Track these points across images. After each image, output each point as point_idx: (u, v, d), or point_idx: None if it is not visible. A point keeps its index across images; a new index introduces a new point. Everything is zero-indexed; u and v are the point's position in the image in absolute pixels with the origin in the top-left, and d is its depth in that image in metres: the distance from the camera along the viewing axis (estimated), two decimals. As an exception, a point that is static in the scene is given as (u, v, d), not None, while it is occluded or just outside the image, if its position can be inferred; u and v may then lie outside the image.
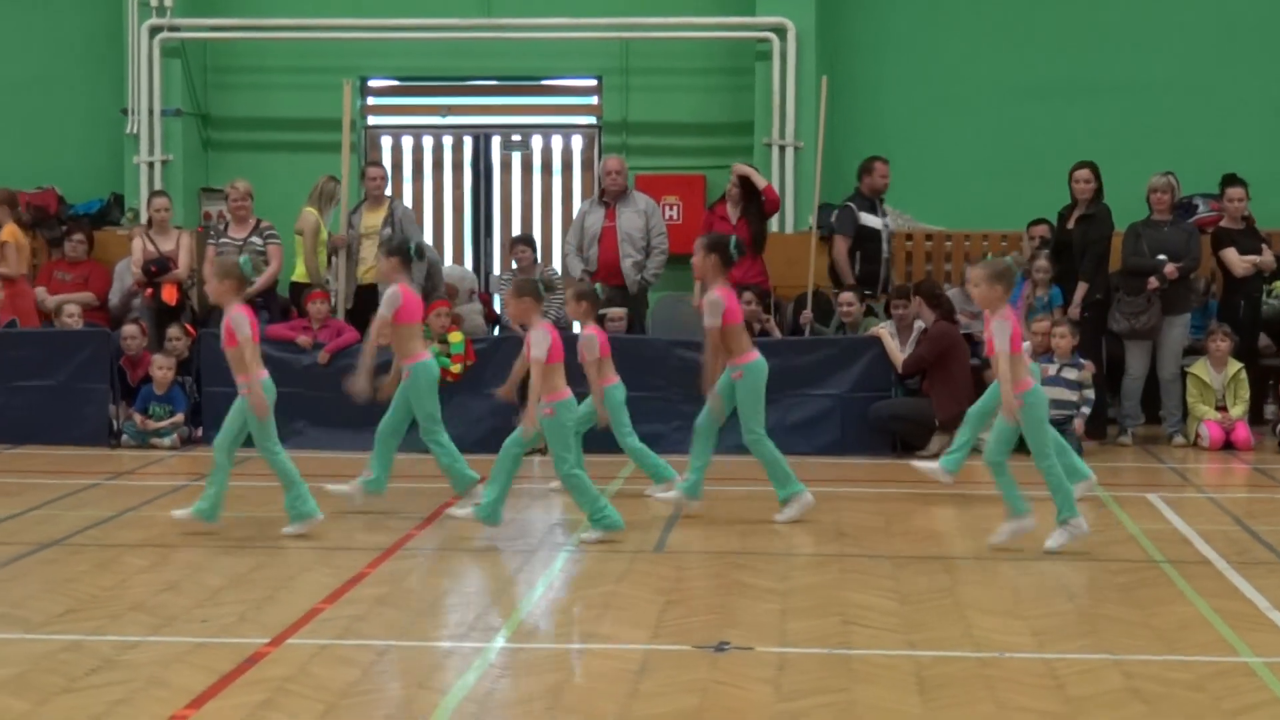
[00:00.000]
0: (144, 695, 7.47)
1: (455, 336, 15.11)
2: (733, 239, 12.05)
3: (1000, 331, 10.48)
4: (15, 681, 7.63)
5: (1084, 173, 16.05)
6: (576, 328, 13.12)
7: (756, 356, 11.88)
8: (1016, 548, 10.81)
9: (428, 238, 18.12)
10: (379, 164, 17.25)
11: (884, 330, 15.35)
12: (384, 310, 11.92)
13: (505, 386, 11.99)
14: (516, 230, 18.54)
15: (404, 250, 12.26)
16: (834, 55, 17.96)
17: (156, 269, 16.05)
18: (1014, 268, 10.81)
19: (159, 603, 9.28)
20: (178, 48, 18.08)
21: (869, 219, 16.29)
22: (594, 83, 18.63)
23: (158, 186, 17.63)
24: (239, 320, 11.09)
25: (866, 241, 16.28)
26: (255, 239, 16.15)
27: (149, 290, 16.14)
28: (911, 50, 18.33)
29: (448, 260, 18.42)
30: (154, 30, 17.86)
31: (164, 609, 9.11)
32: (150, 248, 16.18)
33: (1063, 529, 10.73)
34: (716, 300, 11.69)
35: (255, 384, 11.08)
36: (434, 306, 15.30)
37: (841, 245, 16.21)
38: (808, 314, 15.99)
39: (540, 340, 10.95)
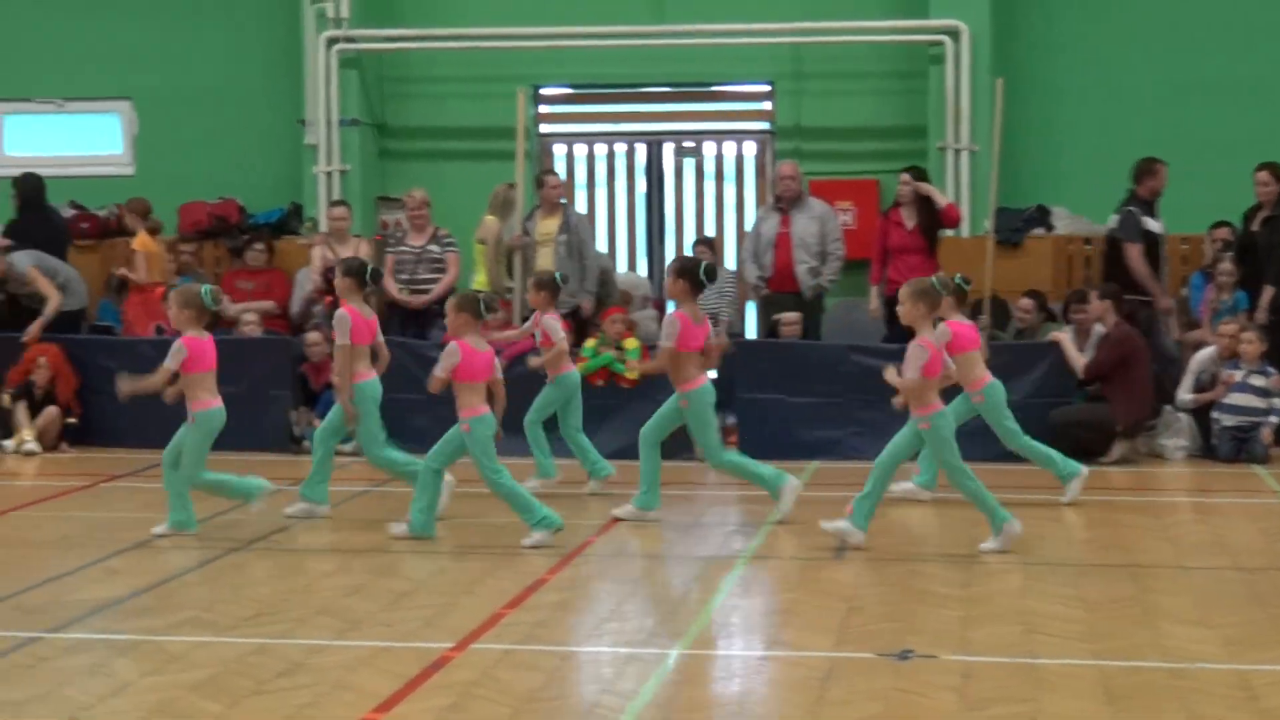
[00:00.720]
0: (331, 699, 7.56)
1: (631, 343, 15.14)
2: (703, 264, 11.92)
3: (916, 357, 10.59)
4: (208, 684, 7.77)
5: (1264, 174, 15.73)
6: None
7: (703, 382, 11.91)
8: (1208, 563, 10.63)
9: (600, 245, 18.17)
10: (555, 172, 17.31)
11: (1063, 335, 15.15)
12: (342, 339, 12.04)
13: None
14: (690, 236, 18.54)
15: (359, 271, 12.32)
16: (1007, 56, 17.76)
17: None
18: (939, 287, 11.09)
19: (344, 607, 9.39)
20: (354, 59, 18.31)
21: (1150, 223, 15.93)
22: (766, 88, 18.59)
23: (336, 196, 17.86)
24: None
25: (1148, 247, 15.87)
26: (433, 247, 16.31)
27: (329, 298, 16.33)
28: (1085, 50, 18.07)
29: (621, 267, 18.46)
30: (331, 42, 18.09)
31: (349, 613, 9.22)
32: (329, 256, 16.39)
33: (997, 537, 10.80)
34: (673, 321, 11.76)
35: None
36: (609, 313, 15.36)
37: (1135, 251, 15.65)
38: (985, 320, 15.83)
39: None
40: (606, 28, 18.13)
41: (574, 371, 13.34)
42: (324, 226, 17.21)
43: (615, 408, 14.99)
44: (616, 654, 8.48)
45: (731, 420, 15.38)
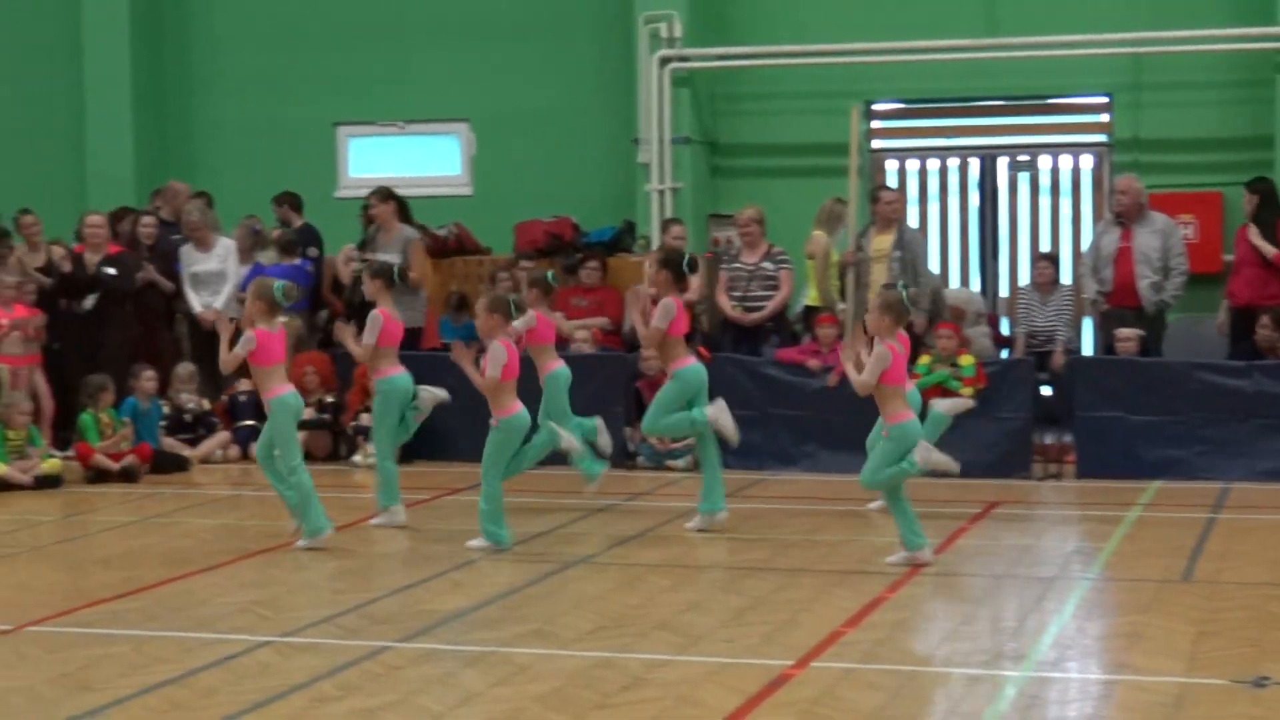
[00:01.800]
0: (675, 713, 7.60)
1: (965, 360, 14.95)
2: (687, 256, 12.47)
3: (877, 361, 11.00)
4: (553, 696, 7.86)
5: None
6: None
7: (692, 362, 12.57)
8: None
9: (933, 260, 18.01)
10: (891, 187, 17.18)
11: None
12: (370, 338, 12.39)
13: None
14: (1024, 251, 18.25)
15: (387, 273, 12.70)
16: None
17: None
18: (906, 301, 11.35)
19: (684, 622, 9.43)
20: (687, 77, 18.44)
21: None
22: (1104, 100, 18.20)
23: (668, 214, 18.01)
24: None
25: None
26: (766, 264, 16.32)
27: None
28: None
29: (954, 282, 18.25)
30: (664, 61, 18.25)
31: (690, 628, 9.26)
32: (663, 273, 16.48)
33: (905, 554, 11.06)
34: (669, 305, 12.29)
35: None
36: (940, 328, 15.20)
37: None
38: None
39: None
40: (939, 41, 17.96)
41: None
42: (656, 244, 17.35)
43: (951, 425, 14.83)
44: (959, 675, 8.35)
45: (1068, 439, 15.11)
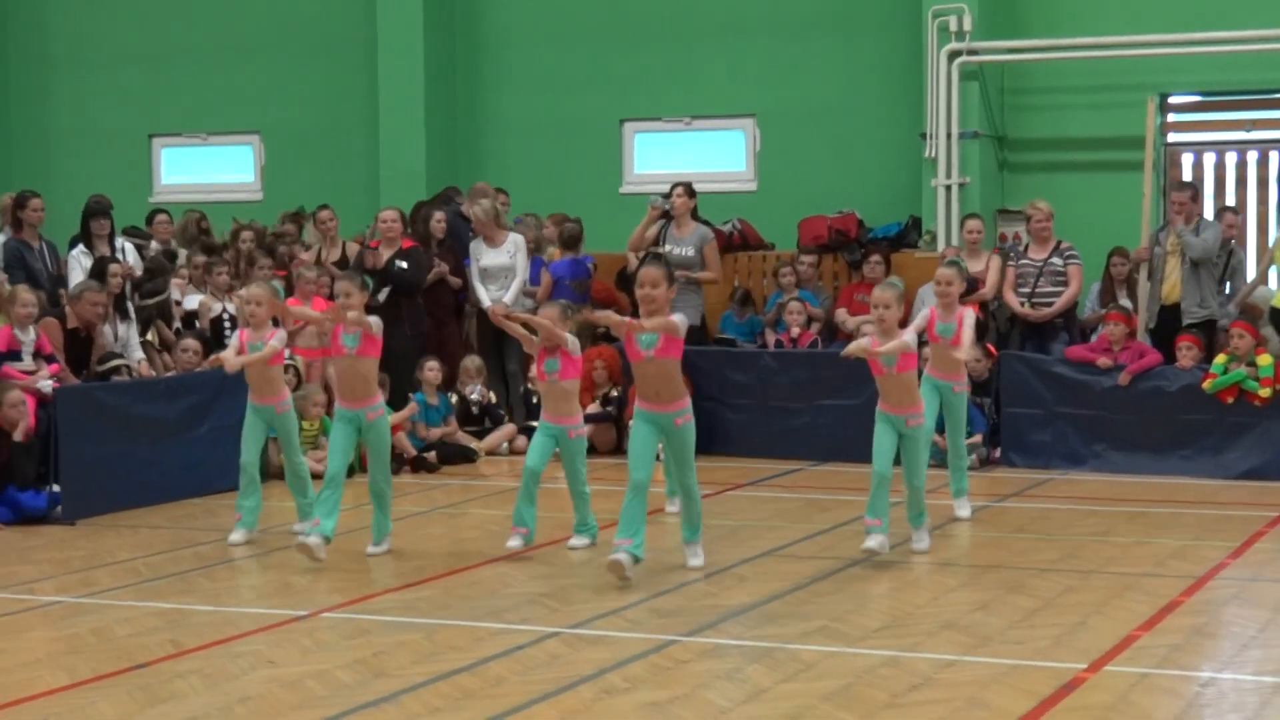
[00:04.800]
0: (965, 714, 7.49)
1: (1264, 360, 14.52)
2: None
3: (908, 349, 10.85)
4: (842, 694, 7.80)
5: None
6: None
7: None
8: None
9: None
10: (1190, 183, 16.72)
11: None
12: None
13: None
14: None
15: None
16: None
17: (968, 289, 16.13)
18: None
19: (972, 622, 9.29)
20: (975, 71, 18.18)
21: None
22: None
23: (955, 209, 17.78)
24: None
25: None
26: (1055, 259, 16.03)
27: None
28: None
29: (1251, 277, 17.68)
30: (953, 55, 18.01)
31: (978, 629, 9.12)
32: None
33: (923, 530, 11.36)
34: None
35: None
36: (1233, 327, 14.79)
37: None
38: None
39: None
40: (1237, 32, 17.42)
41: None
42: (943, 241, 17.17)
43: (1248, 425, 14.46)
44: (1261, 683, 8.09)
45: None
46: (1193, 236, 15.46)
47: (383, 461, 11.56)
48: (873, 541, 10.90)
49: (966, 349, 12.16)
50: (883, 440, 11.05)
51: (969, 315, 12.14)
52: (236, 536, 11.93)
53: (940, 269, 12.40)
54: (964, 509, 12.67)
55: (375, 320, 11.59)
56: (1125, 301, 16.24)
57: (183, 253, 17.26)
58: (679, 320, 10.42)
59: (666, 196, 17.16)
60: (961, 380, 12.52)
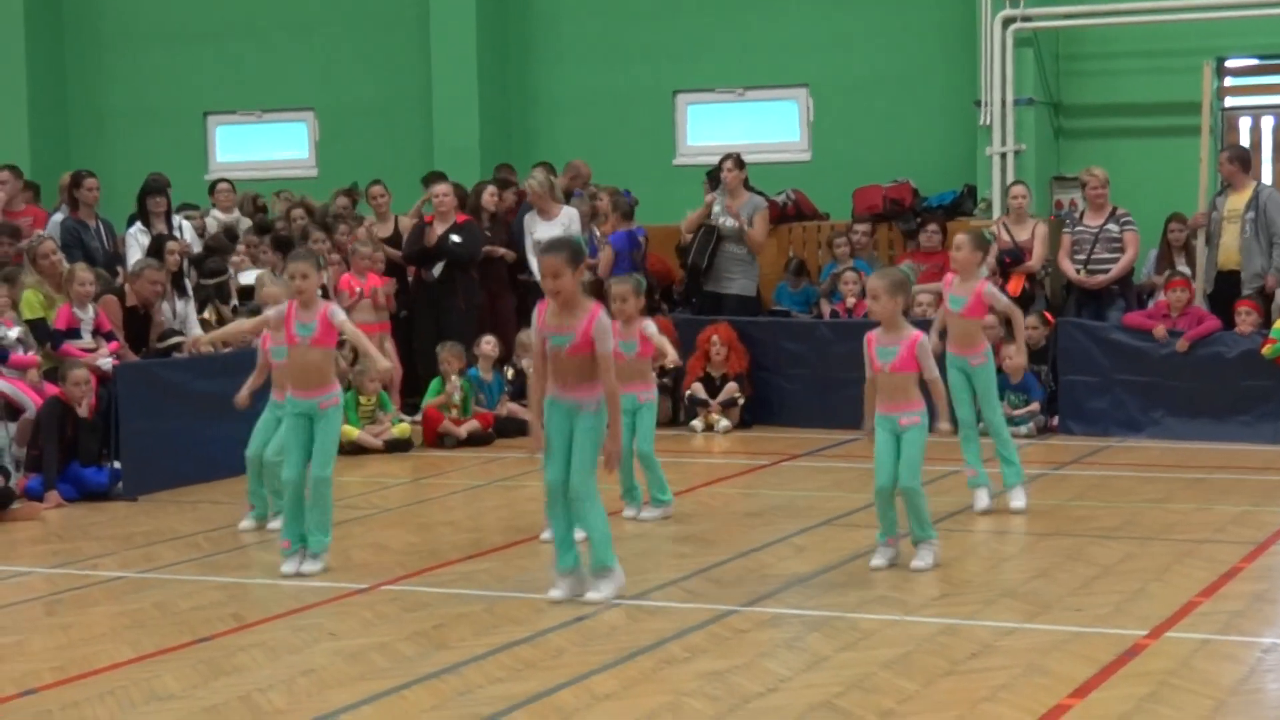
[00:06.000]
0: (1025, 682, 7.48)
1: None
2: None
3: (925, 353, 9.92)
4: (901, 661, 7.81)
5: None
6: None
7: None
8: None
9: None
10: (1238, 147, 16.61)
11: None
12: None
13: None
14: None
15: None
16: None
17: (1010, 259, 16.10)
18: (911, 276, 10.49)
19: (1031, 589, 9.28)
20: (1030, 38, 18.08)
21: None
22: None
23: (1010, 177, 17.70)
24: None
25: None
26: (1111, 226, 15.95)
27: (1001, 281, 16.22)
28: None
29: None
30: (1007, 21, 17.92)
31: (1037, 596, 9.11)
32: (1005, 237, 16.24)
33: (925, 547, 9.95)
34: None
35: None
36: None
37: None
38: None
39: None
40: (1294, -6, 17.29)
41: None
42: (1000, 208, 17.10)
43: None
44: (1325, 648, 8.07)
45: None
46: None
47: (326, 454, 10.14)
48: (879, 558, 9.98)
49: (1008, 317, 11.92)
50: (881, 451, 10.01)
51: (989, 287, 11.51)
52: (246, 524, 11.62)
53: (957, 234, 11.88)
54: (1018, 499, 11.61)
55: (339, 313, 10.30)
56: (1183, 267, 16.15)
57: (244, 224, 17.35)
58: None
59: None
60: (979, 352, 11.47)
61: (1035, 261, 16.20)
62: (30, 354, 13.50)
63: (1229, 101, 18.13)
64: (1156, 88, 17.97)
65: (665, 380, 16.56)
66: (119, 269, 15.52)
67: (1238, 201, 15.50)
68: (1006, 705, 7.13)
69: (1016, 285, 16.04)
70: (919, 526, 9.94)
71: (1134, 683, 7.41)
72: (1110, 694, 7.25)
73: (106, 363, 13.50)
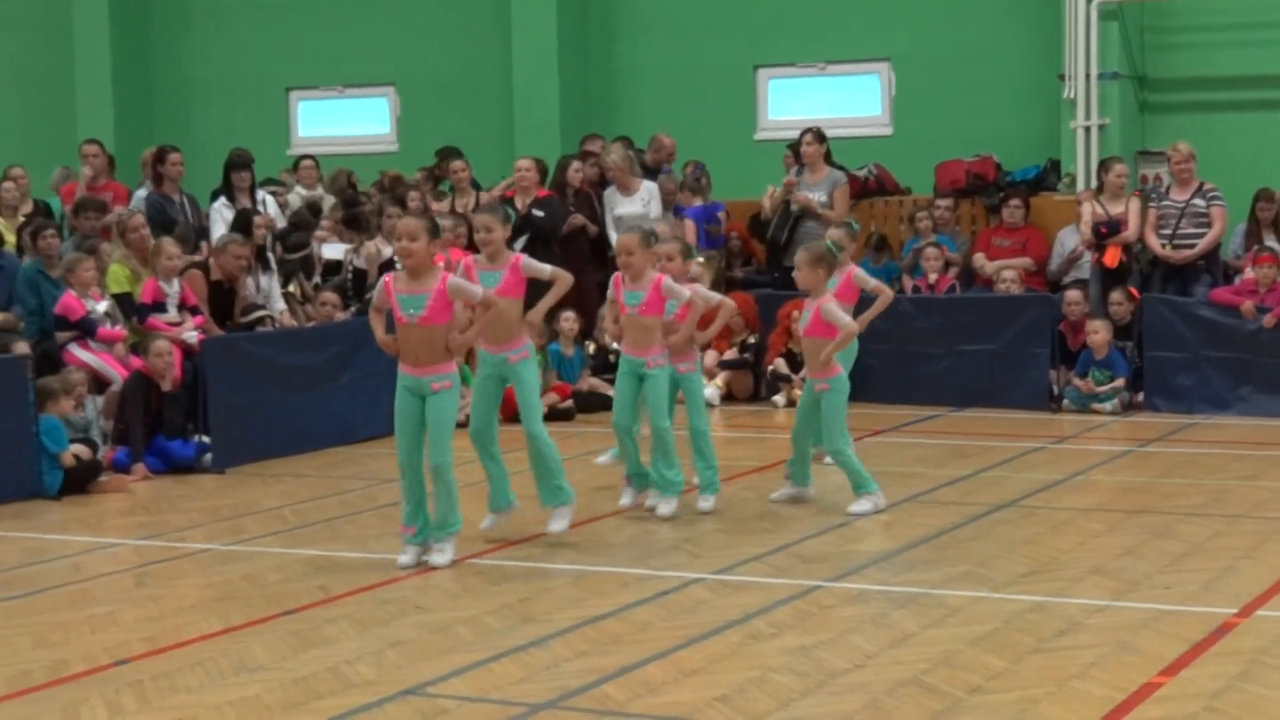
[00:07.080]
0: (1114, 659, 7.43)
1: None
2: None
3: (836, 313, 10.77)
4: (988, 639, 7.77)
5: None
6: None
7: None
8: None
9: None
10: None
11: None
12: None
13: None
14: None
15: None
16: None
17: (1106, 230, 15.96)
18: (835, 250, 11.18)
19: (1119, 567, 9.21)
20: (1115, 10, 17.91)
21: None
22: None
23: (1094, 151, 17.55)
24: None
25: None
26: (1198, 201, 15.80)
27: (1095, 255, 16.11)
28: None
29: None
30: (1091, -6, 17.80)
31: (1125, 574, 9.04)
32: (1099, 211, 16.11)
33: (864, 498, 10.86)
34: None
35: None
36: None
37: None
38: None
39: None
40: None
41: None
42: (1089, 183, 16.97)
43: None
44: None
45: None
46: None
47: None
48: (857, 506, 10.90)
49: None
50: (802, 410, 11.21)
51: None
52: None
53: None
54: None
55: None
56: (1271, 243, 15.96)
57: (328, 201, 17.43)
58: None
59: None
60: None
61: (1132, 233, 16.05)
62: (117, 328, 13.60)
63: (1321, 74, 17.91)
64: (1245, 60, 17.76)
65: (746, 356, 16.57)
66: (203, 244, 15.61)
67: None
68: (1095, 683, 7.08)
69: (1113, 256, 15.91)
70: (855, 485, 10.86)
71: (1224, 661, 7.35)
72: (1200, 672, 7.19)
73: (192, 336, 13.59)
